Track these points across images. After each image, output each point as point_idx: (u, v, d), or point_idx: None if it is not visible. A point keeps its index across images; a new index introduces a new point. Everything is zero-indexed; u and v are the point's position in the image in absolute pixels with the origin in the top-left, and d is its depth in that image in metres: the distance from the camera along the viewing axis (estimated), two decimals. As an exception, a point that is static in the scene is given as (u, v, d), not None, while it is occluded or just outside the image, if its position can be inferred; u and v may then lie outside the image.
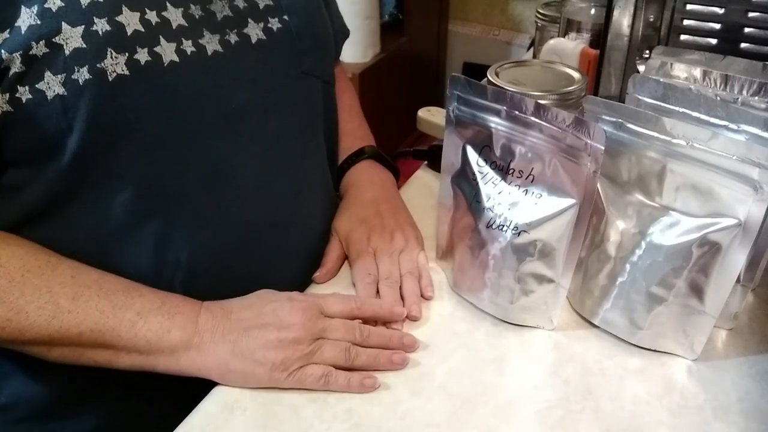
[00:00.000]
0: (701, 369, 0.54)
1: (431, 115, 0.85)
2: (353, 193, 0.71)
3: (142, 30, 0.49)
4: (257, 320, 0.53)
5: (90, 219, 0.52)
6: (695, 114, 0.55)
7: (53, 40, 0.46)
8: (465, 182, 0.58)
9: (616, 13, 0.73)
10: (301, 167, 0.63)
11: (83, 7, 0.47)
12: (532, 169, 0.54)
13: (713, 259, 0.50)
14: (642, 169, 0.53)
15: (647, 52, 0.73)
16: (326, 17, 0.67)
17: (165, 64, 0.50)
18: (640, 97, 0.59)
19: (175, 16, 0.52)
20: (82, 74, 0.47)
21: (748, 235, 0.48)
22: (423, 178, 0.82)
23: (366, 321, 0.56)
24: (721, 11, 0.69)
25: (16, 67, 0.46)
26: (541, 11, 1.03)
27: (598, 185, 0.54)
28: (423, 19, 2.23)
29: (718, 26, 0.70)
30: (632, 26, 0.73)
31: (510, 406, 0.51)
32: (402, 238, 0.65)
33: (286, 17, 0.59)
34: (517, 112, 0.53)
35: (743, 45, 0.69)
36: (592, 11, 0.90)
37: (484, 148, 0.57)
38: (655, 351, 0.56)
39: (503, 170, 0.56)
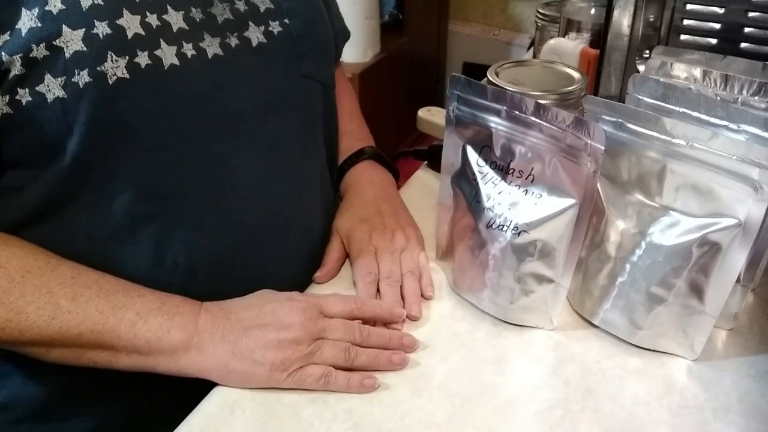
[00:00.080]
0: (701, 369, 0.54)
1: (431, 115, 0.85)
2: (353, 193, 0.71)
3: (143, 33, 0.49)
4: (257, 320, 0.53)
5: (90, 220, 0.52)
6: (695, 114, 0.55)
7: (54, 42, 0.46)
8: (465, 182, 0.58)
9: (616, 13, 0.73)
10: (301, 169, 0.63)
11: (84, 10, 0.47)
12: (532, 169, 0.54)
13: (713, 259, 0.50)
14: (642, 169, 0.53)
15: (647, 52, 0.73)
16: (327, 20, 0.67)
17: (165, 68, 0.50)
18: (640, 97, 0.59)
19: (175, 19, 0.52)
20: (83, 77, 0.47)
21: (748, 235, 0.48)
22: (423, 178, 0.82)
23: (366, 321, 0.57)
24: (721, 11, 0.69)
25: (16, 69, 0.46)
26: (541, 11, 1.03)
27: (598, 185, 0.54)
28: (423, 19, 2.23)
29: (718, 26, 0.70)
30: (632, 26, 0.73)
31: (510, 406, 0.51)
32: (403, 237, 0.65)
33: (286, 20, 0.60)
34: (517, 112, 0.53)
35: (743, 45, 0.69)
36: (592, 11, 0.90)
37: (484, 148, 0.57)
38: (655, 351, 0.56)
39: (503, 170, 0.56)
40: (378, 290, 0.61)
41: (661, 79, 0.59)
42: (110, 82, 0.47)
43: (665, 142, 0.51)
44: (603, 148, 0.49)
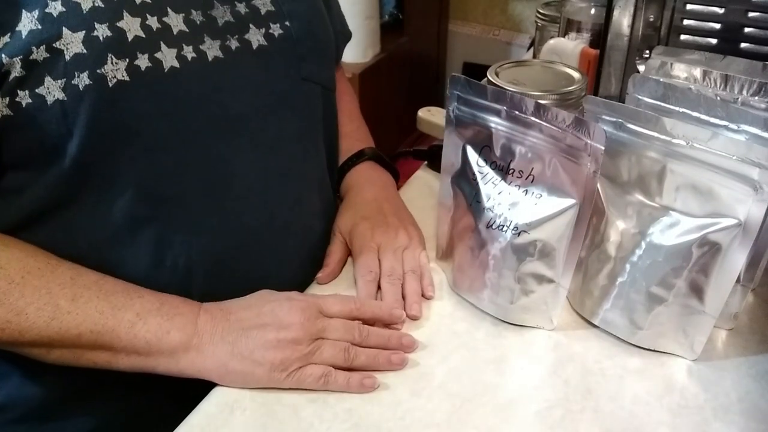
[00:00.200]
0: (701, 369, 0.54)
1: (431, 115, 0.85)
2: (354, 193, 0.71)
3: (143, 36, 0.49)
4: (256, 320, 0.53)
5: (90, 222, 0.52)
6: (695, 114, 0.55)
7: (54, 45, 0.46)
8: (465, 182, 0.58)
9: (616, 13, 0.73)
10: (301, 170, 0.63)
11: (84, 12, 0.47)
12: (532, 169, 0.54)
13: (713, 259, 0.50)
14: (642, 169, 0.53)
15: (647, 52, 0.73)
16: (327, 23, 0.67)
17: (165, 70, 0.50)
18: (640, 97, 0.59)
19: (176, 21, 0.52)
20: (83, 79, 0.47)
21: (748, 235, 0.48)
22: (423, 178, 0.82)
23: (365, 321, 0.56)
24: (721, 11, 0.69)
25: (16, 71, 0.46)
26: (541, 11, 1.03)
27: (598, 185, 0.54)
28: (423, 19, 2.22)
29: (718, 26, 0.70)
30: (632, 26, 0.73)
31: (510, 406, 0.51)
32: (406, 235, 0.65)
33: (287, 23, 0.60)
34: (517, 112, 0.53)
35: (743, 45, 0.69)
36: (592, 11, 0.90)
37: (484, 148, 0.57)
38: (655, 351, 0.56)
39: (503, 170, 0.56)
40: (379, 288, 0.61)
41: (661, 79, 0.59)
42: (110, 85, 0.47)
43: (665, 142, 0.51)
44: (603, 148, 0.49)
